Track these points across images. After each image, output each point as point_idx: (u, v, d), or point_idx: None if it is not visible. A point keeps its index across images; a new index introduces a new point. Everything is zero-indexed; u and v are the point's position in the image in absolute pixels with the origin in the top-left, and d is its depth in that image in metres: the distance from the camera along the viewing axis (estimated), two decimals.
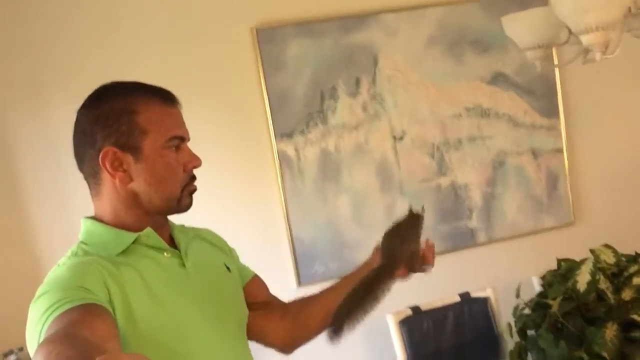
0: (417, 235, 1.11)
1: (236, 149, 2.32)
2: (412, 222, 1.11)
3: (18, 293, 2.10)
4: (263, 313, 1.19)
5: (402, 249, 1.09)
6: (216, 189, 2.23)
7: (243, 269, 1.21)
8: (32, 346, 0.83)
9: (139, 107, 0.96)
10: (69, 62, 2.16)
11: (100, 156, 0.95)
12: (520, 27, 1.32)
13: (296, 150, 2.35)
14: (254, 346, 1.16)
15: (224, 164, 2.29)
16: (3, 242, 2.17)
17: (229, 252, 1.19)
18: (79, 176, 1.01)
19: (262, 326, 1.19)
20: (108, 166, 0.95)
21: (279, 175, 2.34)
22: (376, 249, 1.16)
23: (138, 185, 0.97)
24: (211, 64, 2.28)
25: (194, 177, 1.03)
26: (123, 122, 0.95)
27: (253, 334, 1.18)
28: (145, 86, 1.00)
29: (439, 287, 2.43)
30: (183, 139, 1.01)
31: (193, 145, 1.04)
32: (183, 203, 1.01)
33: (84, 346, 0.67)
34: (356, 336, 2.41)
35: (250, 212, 2.36)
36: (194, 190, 1.03)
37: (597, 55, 1.09)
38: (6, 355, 2.01)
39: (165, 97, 1.00)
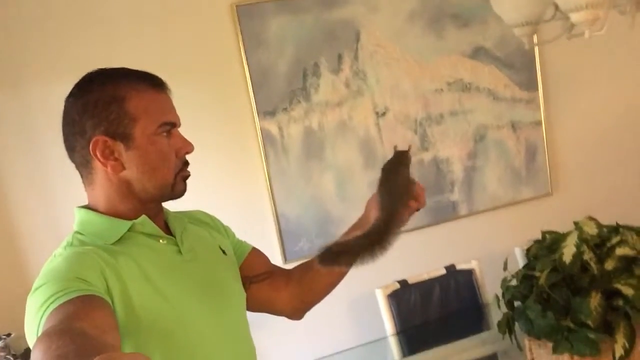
0: (408, 171, 1.10)
1: (219, 128, 2.30)
2: (400, 160, 1.10)
3: (2, 281, 2.08)
4: (268, 282, 1.19)
5: (400, 188, 1.07)
6: (200, 169, 2.16)
7: (240, 245, 1.21)
8: (30, 339, 0.82)
9: (128, 94, 0.94)
10: (46, 44, 2.09)
11: (90, 145, 0.93)
12: (508, 4, 1.32)
13: (279, 128, 2.33)
14: (254, 325, 1.16)
15: (208, 143, 2.26)
16: None
17: (224, 231, 1.19)
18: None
19: (268, 296, 1.19)
20: (99, 155, 0.94)
21: (262, 154, 2.33)
22: (369, 204, 1.14)
23: (130, 173, 0.96)
24: (191, 41, 2.23)
25: (186, 163, 1.02)
26: (112, 109, 0.93)
27: (261, 305, 1.19)
28: (133, 72, 0.98)
29: (423, 258, 2.48)
30: (174, 124, 1.00)
31: None
32: (177, 189, 1.00)
33: (82, 340, 0.67)
34: (345, 310, 2.48)
35: (235, 191, 2.35)
36: (188, 176, 1.02)
37: (586, 33, 1.10)
38: None
39: (154, 83, 0.98)
